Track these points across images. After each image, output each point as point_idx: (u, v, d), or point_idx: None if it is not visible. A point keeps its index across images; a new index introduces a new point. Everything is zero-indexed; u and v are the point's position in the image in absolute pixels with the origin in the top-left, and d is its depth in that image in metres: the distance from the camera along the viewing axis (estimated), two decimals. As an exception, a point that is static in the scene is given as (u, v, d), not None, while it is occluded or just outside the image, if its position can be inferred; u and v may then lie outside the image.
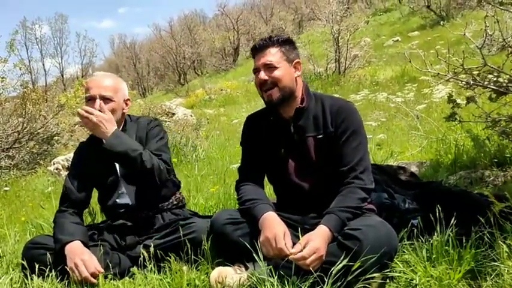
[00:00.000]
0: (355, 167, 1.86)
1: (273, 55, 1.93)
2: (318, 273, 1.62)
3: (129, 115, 2.34)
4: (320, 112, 1.96)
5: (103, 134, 2.09)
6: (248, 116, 2.21)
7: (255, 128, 2.12)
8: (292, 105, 1.97)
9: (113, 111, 2.16)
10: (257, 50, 1.97)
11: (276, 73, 1.91)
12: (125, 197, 2.24)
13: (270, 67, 1.92)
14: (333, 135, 1.92)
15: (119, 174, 2.24)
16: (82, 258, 1.93)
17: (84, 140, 2.42)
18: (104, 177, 2.25)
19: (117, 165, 2.24)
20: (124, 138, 2.12)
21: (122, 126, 2.26)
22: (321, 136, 1.94)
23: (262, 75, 1.93)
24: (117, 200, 2.24)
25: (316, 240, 1.65)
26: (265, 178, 2.20)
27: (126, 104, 2.27)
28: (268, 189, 2.76)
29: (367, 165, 1.89)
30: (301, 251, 1.64)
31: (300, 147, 1.97)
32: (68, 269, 1.92)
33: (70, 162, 2.49)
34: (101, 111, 2.09)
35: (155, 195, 2.25)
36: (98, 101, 2.13)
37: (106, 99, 2.15)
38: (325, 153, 1.93)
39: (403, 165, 2.83)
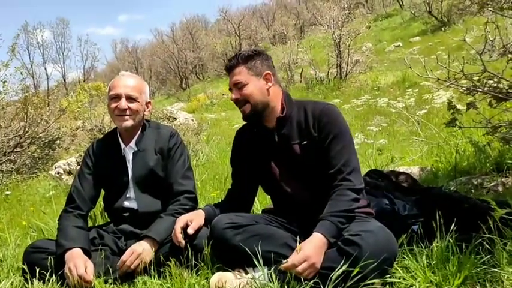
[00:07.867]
0: (341, 168, 1.86)
1: (240, 74, 1.98)
2: (317, 279, 1.62)
3: (147, 120, 2.35)
4: (303, 118, 1.98)
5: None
6: (237, 130, 2.25)
7: (243, 141, 2.16)
8: (272, 115, 2.01)
9: (137, 111, 2.19)
10: (228, 71, 2.04)
11: (245, 91, 1.97)
12: (132, 201, 2.24)
13: (239, 86, 1.98)
14: (316, 140, 1.93)
15: (130, 177, 2.25)
16: (75, 261, 1.92)
17: (91, 141, 2.42)
18: (115, 178, 2.25)
19: (129, 168, 2.25)
20: (159, 229, 2.07)
21: (140, 130, 2.28)
22: (305, 142, 1.95)
23: (233, 95, 2.01)
24: (124, 203, 2.24)
25: (307, 248, 1.66)
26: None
27: (147, 107, 2.29)
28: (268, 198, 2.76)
29: (355, 165, 1.89)
30: None
31: (286, 156, 1.99)
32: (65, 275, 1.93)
33: (80, 162, 2.48)
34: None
35: (161, 203, 2.25)
36: (123, 100, 2.16)
37: (131, 99, 2.17)
38: (312, 159, 1.94)
39: (404, 171, 2.83)
